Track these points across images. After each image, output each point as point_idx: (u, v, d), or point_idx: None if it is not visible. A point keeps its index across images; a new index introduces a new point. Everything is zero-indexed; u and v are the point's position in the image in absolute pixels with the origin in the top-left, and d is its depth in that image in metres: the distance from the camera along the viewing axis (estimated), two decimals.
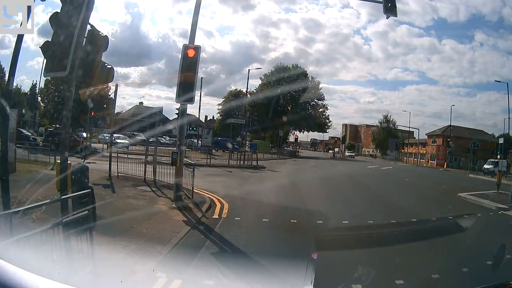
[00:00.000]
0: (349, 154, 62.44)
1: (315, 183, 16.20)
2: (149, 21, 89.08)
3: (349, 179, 19.44)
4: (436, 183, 21.64)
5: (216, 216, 7.84)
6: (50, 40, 5.43)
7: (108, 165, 11.74)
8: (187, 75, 8.29)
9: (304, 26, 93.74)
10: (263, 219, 7.66)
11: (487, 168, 32.76)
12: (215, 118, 56.93)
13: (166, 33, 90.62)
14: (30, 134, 25.44)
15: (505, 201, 11.73)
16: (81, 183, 5.35)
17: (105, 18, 78.92)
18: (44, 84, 39.31)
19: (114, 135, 21.24)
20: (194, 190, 9.43)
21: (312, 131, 57.22)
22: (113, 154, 12.45)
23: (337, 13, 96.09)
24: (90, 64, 5.62)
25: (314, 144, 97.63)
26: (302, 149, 70.11)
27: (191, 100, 8.65)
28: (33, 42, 63.85)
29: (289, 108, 51.16)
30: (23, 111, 38.88)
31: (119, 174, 11.86)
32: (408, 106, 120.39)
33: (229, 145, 32.36)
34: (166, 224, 6.81)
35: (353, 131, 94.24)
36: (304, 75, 50.33)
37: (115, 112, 18.36)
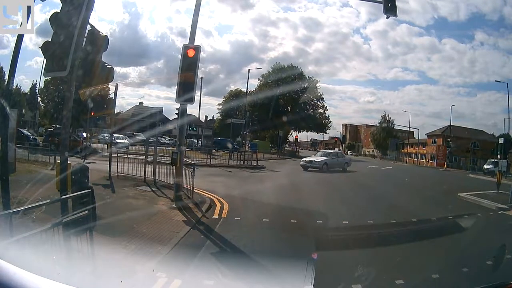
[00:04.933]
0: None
1: (315, 183, 16.19)
2: (147, 20, 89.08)
3: (348, 179, 19.43)
4: (436, 183, 21.65)
5: (216, 216, 7.84)
6: (49, 40, 5.44)
7: (108, 165, 11.73)
8: (187, 75, 8.29)
9: (303, 25, 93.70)
10: (263, 219, 7.66)
11: (487, 168, 32.75)
12: (215, 118, 56.94)
13: (164, 32, 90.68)
14: (30, 134, 25.44)
15: (505, 201, 11.73)
16: (81, 183, 5.35)
17: (103, 17, 79.12)
18: (44, 84, 39.24)
19: (114, 135, 21.26)
20: (194, 190, 9.43)
21: (311, 132, 57.20)
22: (113, 154, 12.45)
23: (336, 12, 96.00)
24: (90, 64, 5.63)
25: (314, 144, 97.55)
26: (302, 149, 70.04)
27: (191, 100, 8.66)
28: (32, 41, 64.03)
29: (289, 108, 51.12)
30: (23, 111, 38.91)
31: (119, 174, 11.86)
32: (408, 106, 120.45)
33: (229, 145, 32.35)
34: (166, 224, 6.81)
35: (353, 131, 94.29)
36: (300, 75, 50.25)
37: (115, 112, 18.33)
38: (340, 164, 23.29)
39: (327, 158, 22.68)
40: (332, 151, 28.86)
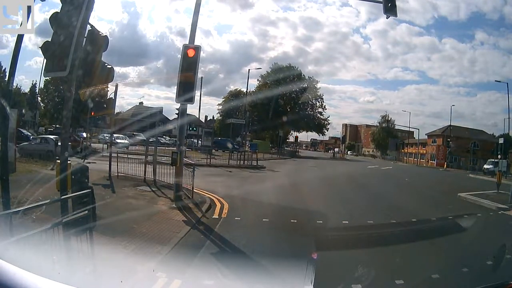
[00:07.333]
0: None
1: (315, 183, 16.19)
2: (147, 19, 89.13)
3: (349, 179, 19.43)
4: (436, 183, 21.65)
5: (216, 216, 7.84)
6: (49, 40, 5.44)
7: (108, 165, 11.73)
8: (187, 75, 8.30)
9: (303, 24, 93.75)
10: (263, 219, 7.66)
11: (487, 168, 32.77)
12: (215, 118, 56.94)
13: (163, 31, 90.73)
14: (30, 134, 25.45)
15: (505, 201, 11.73)
16: (81, 183, 5.35)
17: (102, 17, 79.09)
18: (44, 84, 39.41)
19: (114, 135, 21.28)
20: (194, 190, 9.43)
21: (311, 132, 57.18)
22: (113, 154, 12.45)
23: (336, 11, 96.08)
24: (90, 64, 5.62)
25: (314, 144, 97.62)
26: (302, 149, 70.00)
27: (191, 100, 8.67)
28: (31, 41, 64.12)
29: (288, 108, 51.14)
30: (23, 111, 38.90)
31: (119, 174, 11.85)
32: (408, 106, 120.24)
33: (229, 145, 32.34)
34: (166, 224, 6.80)
35: (353, 131, 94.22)
36: (299, 75, 50.25)
37: (115, 112, 18.31)
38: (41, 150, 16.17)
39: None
40: (50, 136, 19.03)
